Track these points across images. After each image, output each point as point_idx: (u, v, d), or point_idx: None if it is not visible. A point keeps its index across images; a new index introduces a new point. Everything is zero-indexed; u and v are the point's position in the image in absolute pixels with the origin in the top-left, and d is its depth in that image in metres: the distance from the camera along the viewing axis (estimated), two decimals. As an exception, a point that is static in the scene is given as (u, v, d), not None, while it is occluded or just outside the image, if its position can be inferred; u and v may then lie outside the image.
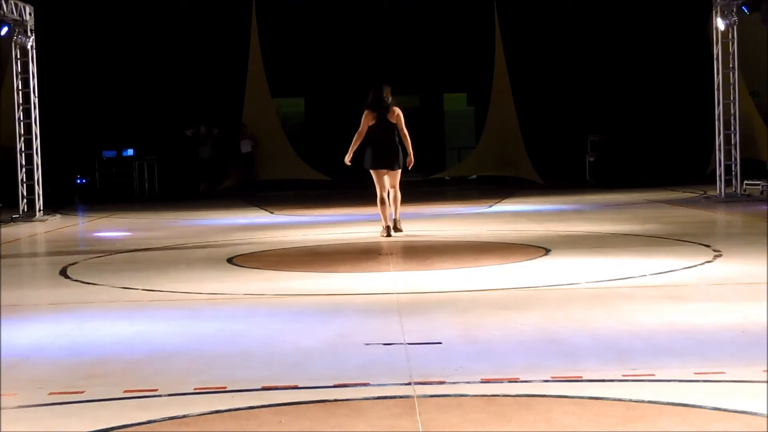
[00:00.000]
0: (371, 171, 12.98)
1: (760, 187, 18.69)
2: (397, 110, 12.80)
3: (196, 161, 25.34)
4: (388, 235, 12.88)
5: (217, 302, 8.44)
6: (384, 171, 12.90)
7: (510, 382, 5.36)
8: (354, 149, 12.87)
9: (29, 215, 17.67)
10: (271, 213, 18.63)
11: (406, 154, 12.90)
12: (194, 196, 23.86)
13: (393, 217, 13.12)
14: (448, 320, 7.19)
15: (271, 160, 25.84)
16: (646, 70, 25.46)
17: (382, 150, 12.80)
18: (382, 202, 12.98)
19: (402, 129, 12.80)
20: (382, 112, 12.78)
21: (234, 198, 22.89)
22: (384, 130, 12.78)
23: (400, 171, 12.99)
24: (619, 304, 7.71)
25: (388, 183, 12.96)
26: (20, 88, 17.87)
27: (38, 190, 17.87)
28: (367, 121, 12.81)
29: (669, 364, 5.67)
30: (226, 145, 25.66)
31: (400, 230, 13.11)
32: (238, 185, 25.60)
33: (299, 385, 5.39)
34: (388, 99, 12.84)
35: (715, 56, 18.27)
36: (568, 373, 5.47)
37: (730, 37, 18.11)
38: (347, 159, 12.96)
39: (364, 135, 12.84)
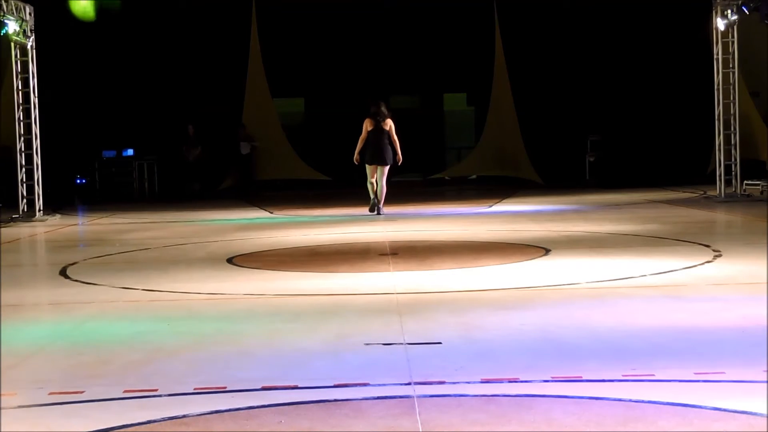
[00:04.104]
0: (367, 165, 16.61)
1: (760, 187, 18.69)
2: (390, 120, 16.57)
3: (182, 162, 25.17)
4: (375, 204, 16.62)
5: (217, 302, 8.44)
6: (376, 166, 16.57)
7: (510, 382, 5.36)
8: (359, 150, 16.59)
9: (29, 215, 17.67)
10: (271, 213, 18.63)
11: (394, 153, 16.54)
12: (187, 196, 23.72)
13: (380, 202, 16.72)
14: (448, 320, 7.19)
15: (271, 160, 25.82)
16: (645, 70, 25.45)
17: (377, 150, 16.48)
18: (372, 184, 16.68)
19: (393, 135, 16.52)
20: (378, 121, 16.46)
21: (234, 198, 22.89)
22: (379, 135, 16.48)
23: (388, 167, 16.63)
24: (619, 304, 7.71)
25: (379, 174, 16.58)
26: (20, 88, 17.87)
27: (38, 190, 17.86)
28: (367, 127, 16.50)
29: (669, 364, 5.67)
30: (225, 146, 25.63)
31: (381, 214, 16.57)
32: (238, 185, 25.58)
33: (299, 385, 5.39)
34: (385, 112, 16.55)
35: (715, 56, 18.27)
36: (568, 373, 5.47)
37: (730, 37, 18.11)
38: (356, 159, 16.68)
39: (365, 138, 16.49)
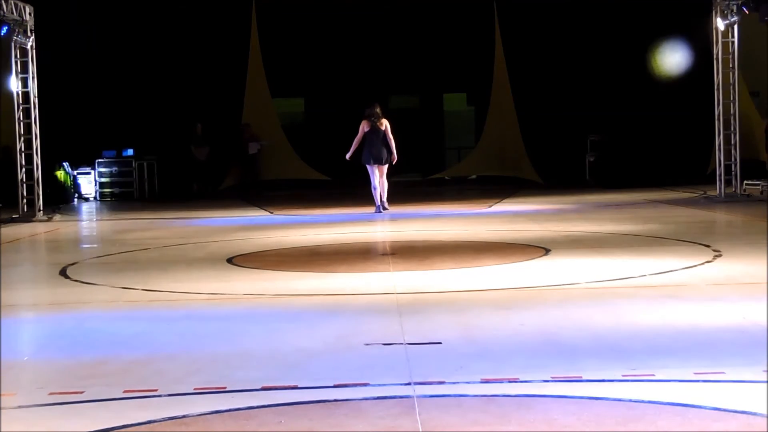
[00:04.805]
0: (367, 165, 17.09)
1: (760, 187, 18.68)
2: (385, 121, 17.10)
3: (190, 162, 25.24)
4: (380, 211, 16.95)
5: (217, 302, 8.44)
6: (376, 165, 17.02)
7: (510, 382, 5.36)
8: (354, 149, 17.10)
9: (29, 215, 17.66)
10: (271, 213, 18.63)
11: (390, 152, 17.02)
12: (189, 196, 23.80)
13: (383, 198, 17.20)
14: (448, 320, 7.19)
15: (271, 160, 25.81)
16: (645, 70, 25.44)
17: (375, 150, 16.99)
18: (375, 188, 17.12)
19: (388, 135, 17.00)
20: (374, 122, 17.02)
21: (234, 198, 22.88)
22: (376, 135, 17.01)
23: (387, 166, 17.12)
24: (619, 304, 7.71)
25: (379, 174, 17.07)
26: (20, 87, 17.85)
27: (38, 190, 17.86)
28: (363, 128, 17.04)
29: (669, 364, 5.67)
30: (228, 146, 25.62)
31: (387, 209, 17.16)
32: (240, 185, 25.57)
33: (299, 385, 5.39)
34: (379, 113, 17.08)
35: (715, 56, 18.27)
36: (568, 373, 5.47)
37: (730, 37, 18.11)
38: (348, 156, 17.25)
39: (361, 138, 17.02)
